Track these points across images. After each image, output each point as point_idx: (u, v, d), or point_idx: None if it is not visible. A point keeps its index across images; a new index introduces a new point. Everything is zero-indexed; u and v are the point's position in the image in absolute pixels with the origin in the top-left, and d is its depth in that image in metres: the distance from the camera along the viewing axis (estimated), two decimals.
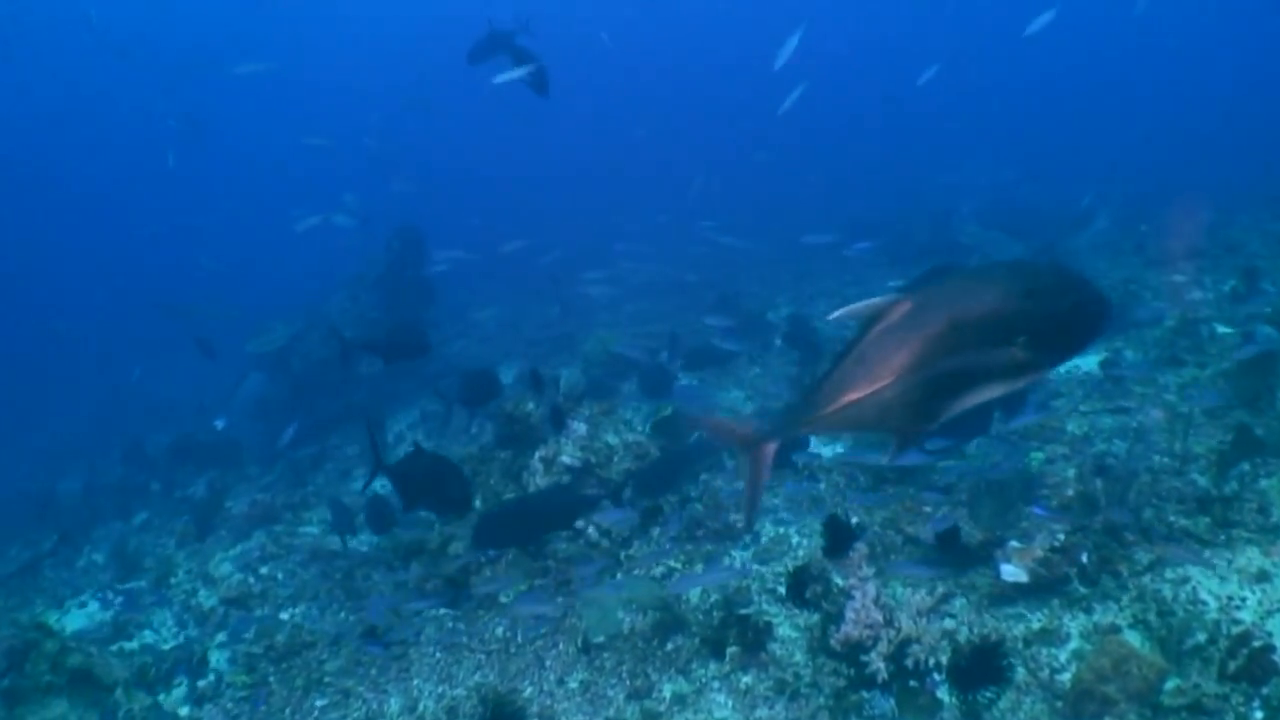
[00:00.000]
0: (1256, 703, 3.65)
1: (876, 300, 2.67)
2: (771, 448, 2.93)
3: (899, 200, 17.66)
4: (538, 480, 6.48)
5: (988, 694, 3.96)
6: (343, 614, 6.47)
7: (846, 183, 21.51)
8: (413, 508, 5.53)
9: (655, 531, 6.07)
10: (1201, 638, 4.01)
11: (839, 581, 4.61)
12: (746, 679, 4.70)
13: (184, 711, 5.89)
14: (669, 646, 5.07)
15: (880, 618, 4.02)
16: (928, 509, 5.50)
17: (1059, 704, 3.96)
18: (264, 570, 7.63)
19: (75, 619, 7.59)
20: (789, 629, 4.96)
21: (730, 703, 4.60)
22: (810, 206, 19.05)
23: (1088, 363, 7.35)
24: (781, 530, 6.03)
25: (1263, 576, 4.33)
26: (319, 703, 5.51)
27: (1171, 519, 4.82)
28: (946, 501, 5.50)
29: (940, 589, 4.78)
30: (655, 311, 13.27)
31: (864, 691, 4.18)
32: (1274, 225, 11.44)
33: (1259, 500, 4.79)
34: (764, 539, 5.97)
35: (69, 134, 31.90)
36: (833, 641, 4.15)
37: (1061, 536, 4.67)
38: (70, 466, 13.29)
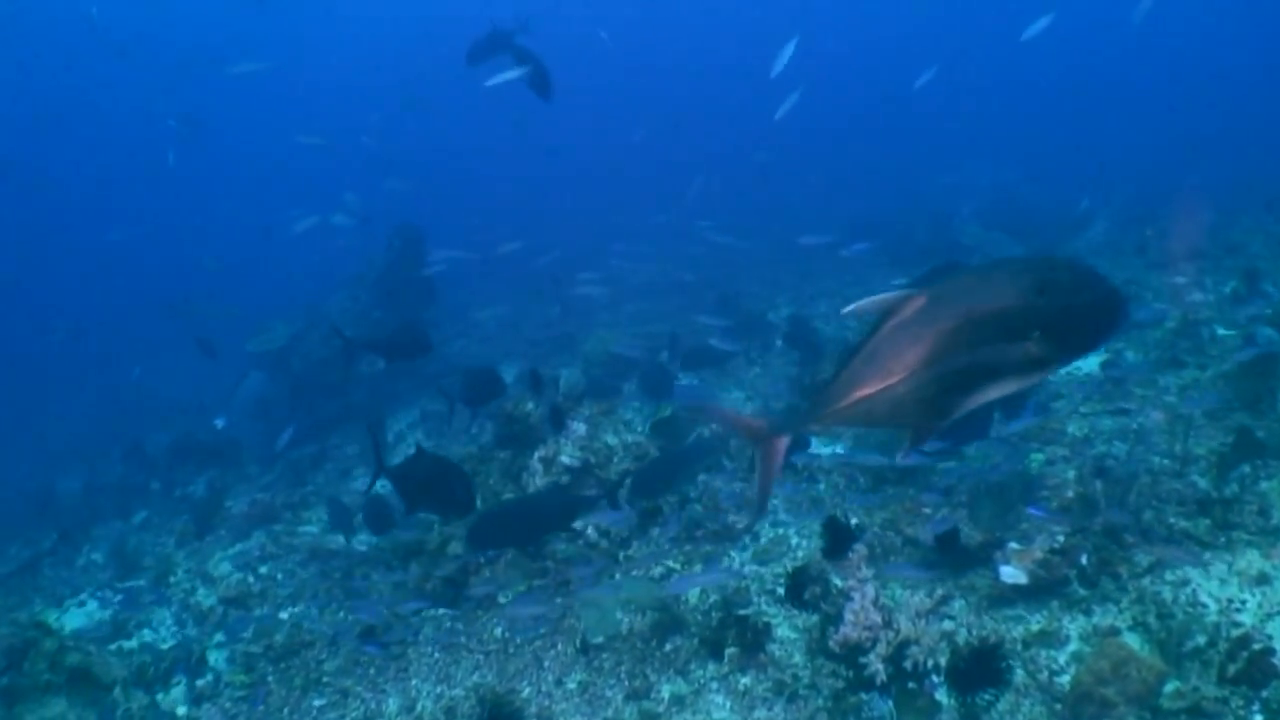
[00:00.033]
0: (1256, 706, 3.64)
1: (889, 295, 2.65)
2: (784, 442, 2.92)
3: (899, 200, 17.66)
4: (537, 480, 6.47)
5: (986, 696, 3.95)
6: (341, 614, 6.46)
7: (847, 183, 21.52)
8: (415, 510, 5.53)
9: (655, 532, 6.07)
10: (1201, 640, 4.00)
11: (838, 583, 4.60)
12: (745, 680, 4.69)
13: (182, 711, 5.89)
14: (668, 647, 5.07)
15: (879, 619, 4.01)
16: (927, 510, 5.49)
17: (1058, 706, 3.95)
18: (263, 570, 7.62)
19: (74, 618, 7.59)
20: (788, 630, 4.95)
21: (729, 704, 4.59)
22: (811, 207, 19.06)
23: (1088, 364, 7.34)
24: (781, 531, 6.02)
25: (1263, 579, 4.32)
26: (317, 702, 5.51)
27: (1172, 521, 4.81)
28: (946, 503, 5.49)
29: (939, 590, 4.78)
30: (655, 311, 13.26)
31: (862, 693, 4.17)
32: (1275, 227, 11.43)
33: (1259, 502, 4.78)
34: (763, 540, 5.96)
35: (69, 133, 31.91)
36: (831, 643, 4.14)
37: (1061, 538, 4.66)
38: (70, 465, 13.29)
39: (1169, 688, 3.76)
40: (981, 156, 22.28)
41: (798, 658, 4.72)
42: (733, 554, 5.87)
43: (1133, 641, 4.13)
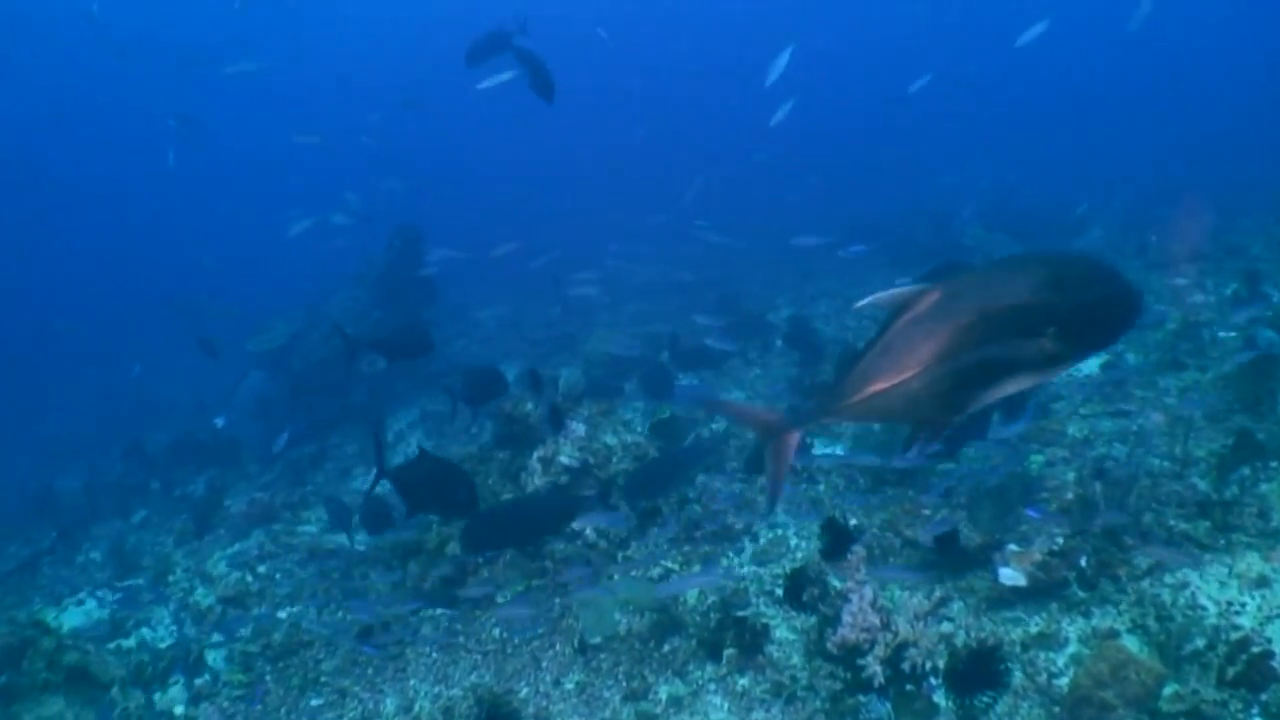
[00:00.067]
0: (1255, 709, 3.62)
1: (904, 289, 2.62)
2: (796, 436, 2.90)
3: (900, 201, 17.65)
4: (536, 480, 6.47)
5: (985, 698, 3.94)
6: (340, 613, 6.46)
7: (849, 183, 21.50)
8: (418, 512, 5.53)
9: (654, 533, 6.06)
10: (1200, 643, 3.99)
11: (836, 584, 4.59)
12: (743, 681, 4.68)
13: (180, 710, 5.88)
14: (666, 648, 5.06)
15: (877, 621, 4.00)
16: (926, 512, 5.47)
17: (1056, 709, 3.94)
18: (261, 569, 7.62)
19: (73, 616, 7.58)
20: (786, 631, 4.94)
21: (726, 705, 4.58)
22: (812, 207, 19.03)
23: (1088, 365, 7.33)
24: (780, 532, 6.01)
25: (1262, 582, 4.31)
26: (315, 702, 5.50)
27: (1171, 523, 4.80)
28: (945, 504, 5.48)
29: (938, 592, 4.77)
30: (656, 311, 13.26)
31: (860, 695, 4.16)
32: (1276, 228, 11.41)
33: (1259, 505, 4.77)
34: (762, 541, 5.96)
35: (68, 131, 31.91)
36: (829, 645, 4.13)
37: (1060, 540, 4.65)
38: (70, 464, 13.30)
39: (1168, 690, 3.74)
40: (983, 157, 22.28)
41: (796, 659, 4.71)
42: (731, 555, 5.86)
43: (1132, 644, 4.12)
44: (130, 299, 21.64)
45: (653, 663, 4.98)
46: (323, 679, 5.71)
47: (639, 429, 7.30)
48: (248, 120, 29.97)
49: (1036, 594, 4.60)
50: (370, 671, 5.63)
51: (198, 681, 6.08)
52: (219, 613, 7.03)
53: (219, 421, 12.37)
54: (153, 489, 11.07)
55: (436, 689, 5.29)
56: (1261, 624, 4.06)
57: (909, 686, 4.00)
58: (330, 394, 11.33)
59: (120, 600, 7.61)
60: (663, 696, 4.74)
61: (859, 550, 4.38)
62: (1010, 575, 4.57)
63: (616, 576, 5.62)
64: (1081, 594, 4.55)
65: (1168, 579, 4.45)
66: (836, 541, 4.81)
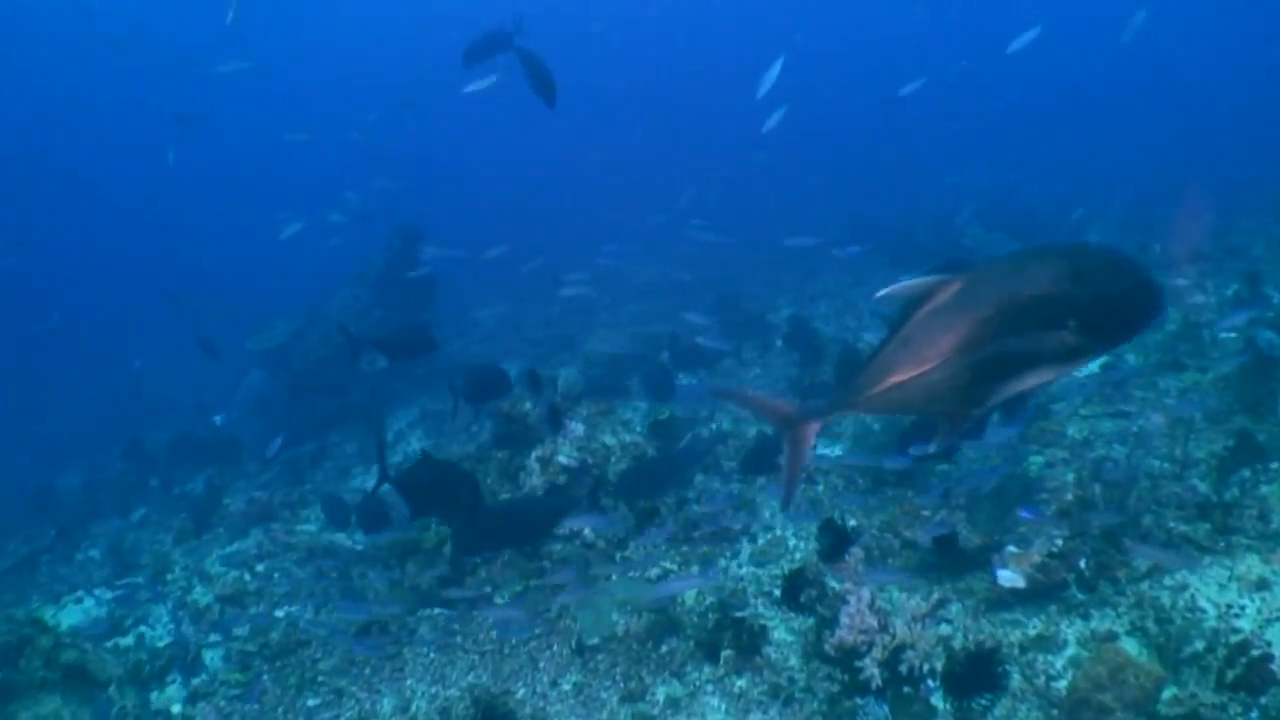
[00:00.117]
0: (1255, 713, 3.61)
1: (924, 280, 2.60)
2: (814, 428, 2.89)
3: (901, 201, 17.62)
4: (534, 480, 6.46)
5: (983, 701, 3.93)
6: (337, 613, 6.45)
7: (849, 183, 21.46)
8: (421, 515, 5.52)
9: (652, 533, 6.04)
10: (1200, 646, 3.97)
11: (835, 585, 4.58)
12: (741, 683, 4.67)
13: (177, 709, 5.88)
14: (663, 649, 5.05)
15: (875, 623, 3.99)
16: (925, 513, 5.46)
17: (1055, 712, 3.92)
18: (260, 568, 7.61)
19: (71, 614, 7.58)
20: (784, 633, 4.93)
21: (724, 707, 4.57)
22: (812, 208, 19.01)
23: (1088, 365, 7.31)
24: (778, 533, 6.00)
25: (1262, 584, 4.29)
26: (312, 702, 5.49)
27: (1171, 525, 4.78)
28: (944, 505, 5.47)
29: (936, 594, 4.75)
30: (655, 311, 13.24)
31: (858, 697, 4.15)
32: (1277, 229, 11.39)
33: (1259, 507, 4.75)
34: (760, 541, 5.94)
35: (67, 128, 31.90)
36: (827, 646, 4.12)
37: (1059, 542, 4.63)
38: (70, 462, 13.30)
39: (1167, 694, 3.73)
40: (983, 157, 22.25)
41: (793, 661, 4.70)
42: (729, 556, 5.85)
43: (1130, 647, 4.10)
44: (131, 297, 21.65)
45: (650, 664, 4.96)
46: (320, 679, 5.70)
47: (638, 429, 7.29)
48: (248, 119, 29.97)
49: (1035, 596, 4.58)
50: (368, 671, 5.62)
51: (195, 680, 6.07)
52: (217, 612, 7.02)
53: (218, 419, 12.37)
54: (152, 487, 11.07)
55: (434, 689, 5.28)
56: (1261, 627, 4.04)
57: (907, 689, 3.99)
58: (330, 393, 11.32)
59: (118, 599, 7.61)
60: (660, 698, 4.73)
61: (857, 551, 4.37)
62: (1009, 577, 4.56)
63: (615, 577, 5.61)
64: (1080, 596, 4.54)
65: (1167, 581, 4.43)
66: (835, 543, 4.80)
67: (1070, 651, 4.26)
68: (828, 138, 25.12)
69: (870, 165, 23.39)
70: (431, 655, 5.58)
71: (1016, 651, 4.31)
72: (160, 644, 6.71)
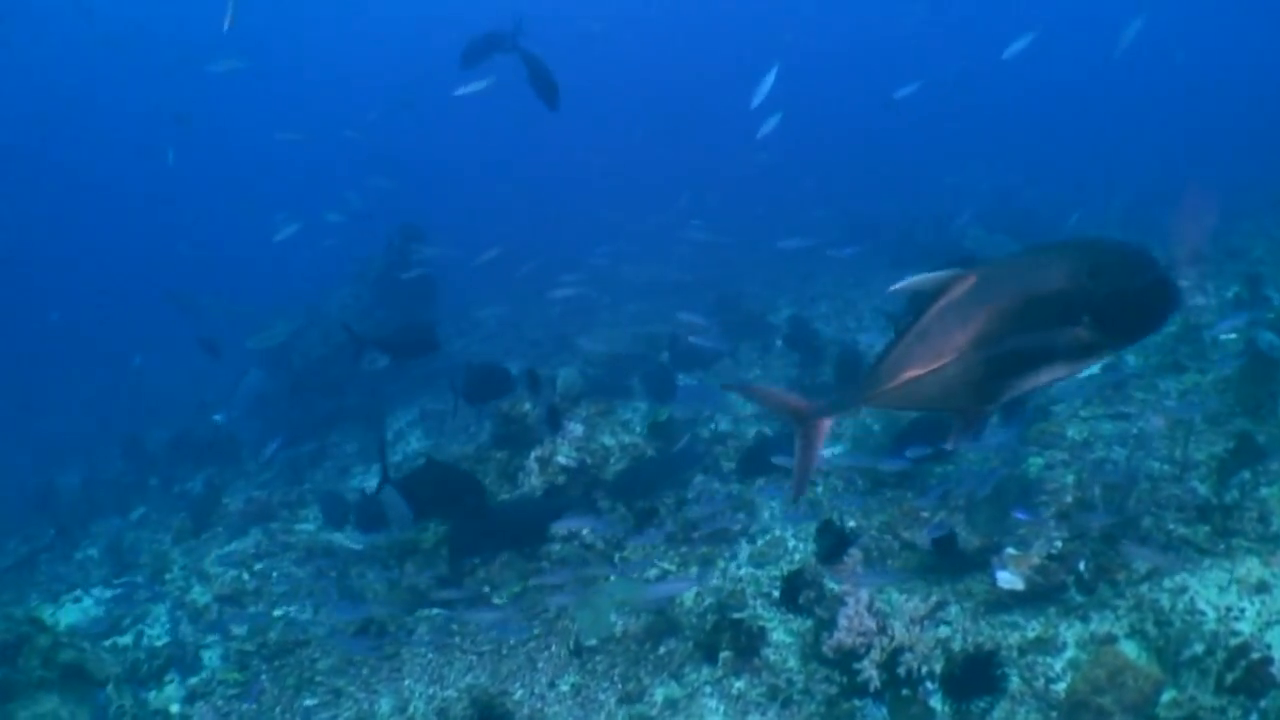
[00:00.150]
0: (1254, 716, 3.60)
1: (940, 274, 2.58)
2: (827, 424, 2.87)
3: (901, 201, 17.60)
4: (533, 481, 6.45)
5: (981, 703, 3.92)
6: (336, 612, 6.43)
7: (849, 184, 21.45)
8: (425, 518, 5.52)
9: (651, 533, 6.04)
10: (1199, 649, 3.96)
11: (833, 587, 4.57)
12: (739, 684, 4.66)
13: (175, 708, 5.87)
14: (661, 650, 5.04)
15: (873, 625, 3.98)
16: (925, 514, 5.45)
17: (1053, 715, 3.91)
18: (259, 567, 7.60)
19: (70, 613, 7.58)
20: (783, 634, 4.92)
21: (722, 708, 4.56)
22: (812, 208, 18.99)
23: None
24: (777, 533, 5.99)
25: (1262, 587, 4.28)
26: (309, 702, 5.48)
27: (1171, 527, 4.77)
28: (944, 506, 5.46)
29: (935, 596, 4.74)
30: (656, 312, 13.22)
31: (856, 699, 4.14)
32: (1278, 231, 11.37)
33: (1259, 509, 4.74)
34: (759, 542, 5.93)
35: (66, 125, 31.89)
36: (825, 648, 4.11)
37: (1059, 543, 4.62)
38: (70, 460, 13.30)
39: (1166, 697, 3.72)
40: (984, 159, 22.23)
41: (792, 662, 4.69)
42: (728, 557, 5.84)
43: (1130, 649, 4.09)
44: (131, 296, 21.65)
45: (648, 665, 4.96)
46: (318, 679, 5.69)
47: (638, 429, 7.28)
48: (248, 119, 29.98)
49: (1034, 598, 4.57)
50: (366, 671, 5.61)
51: (193, 680, 6.07)
52: (215, 611, 7.02)
53: (218, 418, 12.36)
54: (151, 486, 11.07)
55: (431, 690, 5.28)
56: (1261, 629, 4.03)
57: (905, 691, 3.98)
58: (330, 392, 11.32)
59: (117, 598, 7.61)
60: (658, 699, 4.72)
61: (856, 553, 4.36)
62: (1008, 579, 4.55)
63: (613, 578, 5.60)
64: (1079, 598, 4.53)
65: (1166, 584, 4.42)
66: (834, 544, 4.79)
67: (1069, 654, 4.25)
68: (828, 138, 25.10)
69: (870, 166, 23.38)
70: (430, 655, 5.57)
71: (1015, 654, 4.30)
72: (158, 643, 6.71)
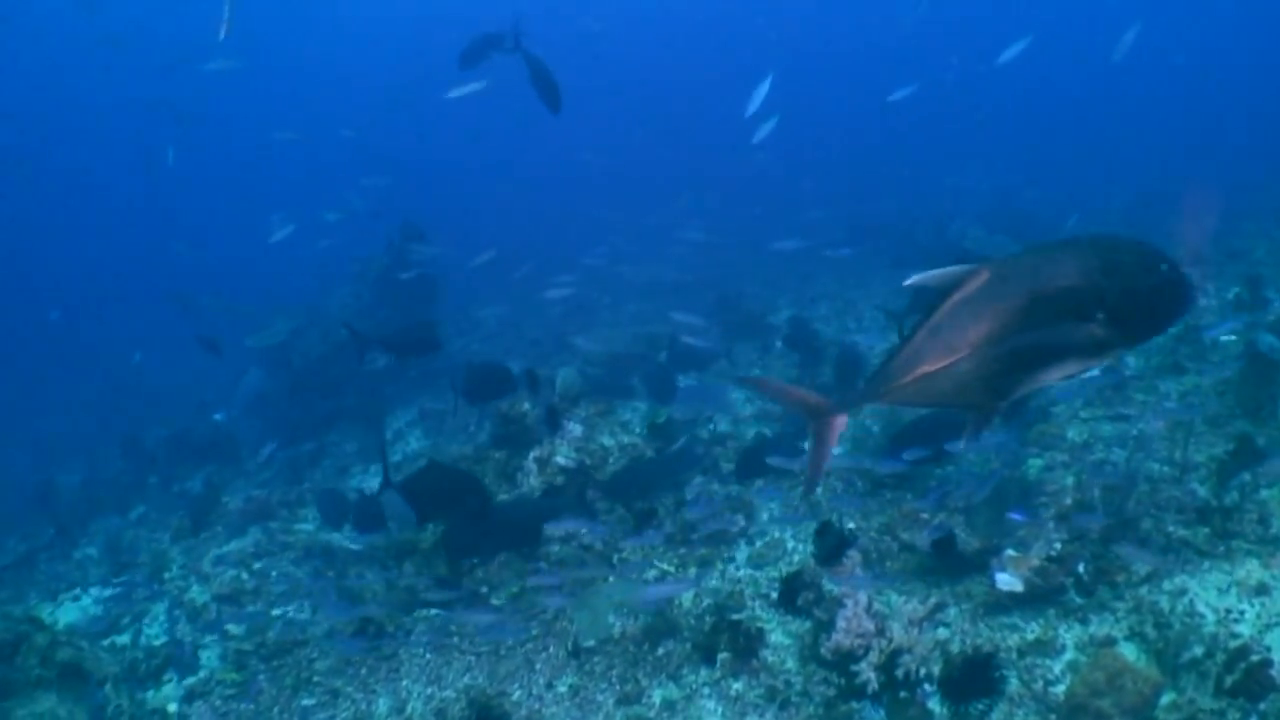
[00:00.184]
0: (1254, 719, 3.59)
1: (953, 269, 2.58)
2: (841, 420, 2.86)
3: (901, 201, 17.60)
4: (532, 481, 6.44)
5: (980, 706, 3.91)
6: (334, 612, 6.42)
7: (849, 184, 21.44)
8: (427, 521, 5.51)
9: (650, 534, 6.03)
10: (1199, 651, 3.96)
11: (832, 588, 4.56)
12: (737, 686, 4.65)
13: (173, 708, 5.86)
14: (660, 651, 5.03)
15: (872, 627, 3.98)
16: (924, 515, 5.44)
17: (1052, 717, 3.90)
18: (257, 566, 7.60)
19: (68, 612, 7.57)
20: (781, 636, 4.91)
21: (720, 709, 4.55)
22: (811, 209, 18.98)
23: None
24: (776, 535, 5.98)
25: (1262, 589, 4.27)
26: (307, 702, 5.48)
27: (1170, 529, 4.76)
28: (943, 508, 5.45)
29: (934, 597, 4.73)
30: (656, 312, 13.21)
31: (854, 701, 4.13)
32: (1278, 232, 11.36)
33: (1259, 511, 4.73)
34: (758, 543, 5.93)
35: (65, 124, 31.88)
36: (823, 650, 4.11)
37: (1058, 545, 4.61)
38: (70, 459, 13.29)
39: (1165, 699, 3.71)
40: (985, 160, 22.23)
41: (790, 664, 4.68)
42: (726, 558, 5.83)
43: (1129, 652, 4.09)
44: (130, 295, 21.65)
45: (646, 666, 4.95)
46: (316, 679, 5.68)
47: (637, 430, 7.27)
48: (247, 118, 29.96)
49: (1033, 600, 4.56)
50: (363, 671, 5.60)
51: (191, 679, 6.06)
52: (214, 610, 7.01)
53: (218, 417, 12.35)
54: (151, 485, 11.06)
55: (429, 690, 5.27)
56: (1260, 632, 4.03)
57: (903, 693, 3.98)
58: (329, 391, 11.31)
59: (115, 597, 7.60)
60: (656, 700, 4.72)
61: (855, 554, 4.35)
62: (1007, 581, 4.54)
63: (612, 579, 5.60)
64: (1079, 600, 4.52)
65: (1166, 586, 4.41)
66: (833, 545, 4.78)
67: (1068, 656, 4.25)
68: (828, 139, 25.10)
69: (870, 166, 23.38)
70: (427, 656, 5.56)
71: (1014, 656, 4.29)
72: (156, 642, 6.70)
